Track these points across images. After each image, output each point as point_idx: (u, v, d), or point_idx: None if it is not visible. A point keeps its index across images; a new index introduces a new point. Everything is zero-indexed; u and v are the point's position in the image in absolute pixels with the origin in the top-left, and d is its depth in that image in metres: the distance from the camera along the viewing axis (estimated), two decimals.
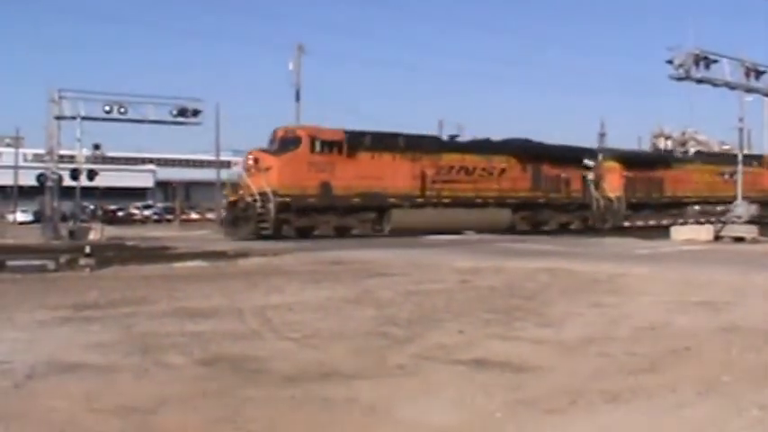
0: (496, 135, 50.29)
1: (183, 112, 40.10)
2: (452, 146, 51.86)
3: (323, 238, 41.69)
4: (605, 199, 57.06)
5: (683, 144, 79.26)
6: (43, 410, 8.31)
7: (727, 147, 75.30)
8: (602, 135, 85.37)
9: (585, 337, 12.57)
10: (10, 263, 23.74)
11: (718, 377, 9.81)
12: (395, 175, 46.53)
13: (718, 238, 39.84)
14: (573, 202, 55.74)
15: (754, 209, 56.57)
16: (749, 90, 45.20)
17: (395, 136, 48.09)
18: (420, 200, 47.69)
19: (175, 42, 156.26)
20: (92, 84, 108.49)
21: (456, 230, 44.74)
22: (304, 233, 43.16)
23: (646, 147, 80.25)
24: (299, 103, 64.35)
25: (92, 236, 41.25)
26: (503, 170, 51.59)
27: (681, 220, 56.92)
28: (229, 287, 18.90)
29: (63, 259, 25.13)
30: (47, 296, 17.30)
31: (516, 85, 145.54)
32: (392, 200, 46.32)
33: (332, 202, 43.88)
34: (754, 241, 38.80)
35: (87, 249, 25.73)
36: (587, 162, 57.09)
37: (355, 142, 45.16)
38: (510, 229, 49.32)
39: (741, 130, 55.03)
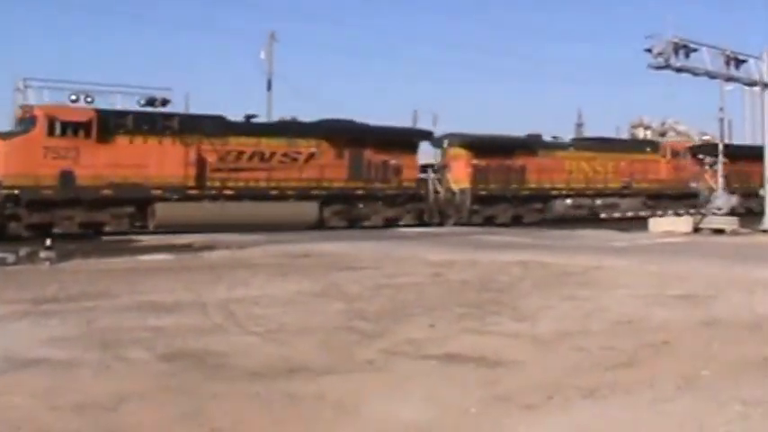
0: (472, 126, 49.46)
1: (151, 102, 39.79)
2: (243, 128, 43.79)
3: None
4: (448, 191, 49.22)
5: (663, 134, 78.90)
6: (1, 407, 8.27)
7: (707, 137, 72.62)
8: (579, 125, 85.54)
9: (561, 331, 12.61)
10: None
11: (698, 372, 9.88)
12: (162, 162, 40.09)
13: (697, 230, 39.86)
14: (403, 193, 47.32)
15: (734, 200, 56.06)
16: (729, 79, 44.84)
17: (167, 117, 40.87)
18: (195, 192, 41.00)
19: (145, 31, 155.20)
20: (58, 74, 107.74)
21: (245, 228, 37.70)
22: (41, 231, 34.56)
23: (625, 137, 79.87)
24: (271, 92, 64.30)
25: None
26: (310, 156, 44.15)
27: (547, 215, 52.33)
28: (193, 280, 18.85)
29: (23, 252, 25.00)
30: (5, 290, 17.25)
31: (492, 74, 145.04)
32: (157, 192, 39.78)
33: (75, 194, 37.42)
34: (734, 233, 38.84)
35: (48, 242, 25.58)
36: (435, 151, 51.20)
37: (110, 124, 38.76)
38: (318, 226, 42.39)
39: (721, 120, 56.53)
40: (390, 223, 45.86)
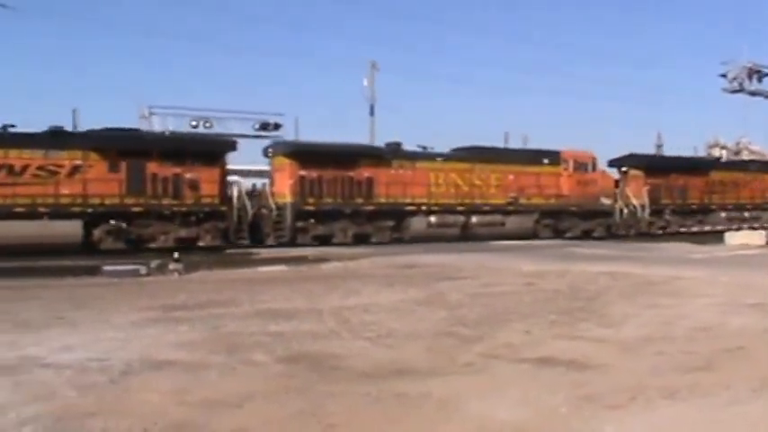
0: (558, 146, 48.25)
1: (264, 126, 40.18)
2: None
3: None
4: (267, 208, 40.26)
5: (738, 153, 77.16)
6: (137, 404, 8.44)
7: None
8: (658, 146, 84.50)
9: (644, 336, 12.48)
10: (105, 268, 24.06)
11: None
12: None
13: None
14: (200, 210, 38.05)
15: None
16: None
17: None
18: None
19: (256, 60, 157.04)
20: (178, 101, 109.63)
21: None
22: None
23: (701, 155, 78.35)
24: (374, 117, 64.49)
25: None
26: (74, 169, 35.49)
27: (404, 234, 42.48)
28: (309, 290, 18.98)
29: (154, 264, 25.40)
30: (139, 299, 17.52)
31: (578, 98, 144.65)
32: None
33: None
34: None
35: (176, 255, 25.97)
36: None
37: None
38: (88, 248, 34.36)
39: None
40: (185, 244, 36.03)
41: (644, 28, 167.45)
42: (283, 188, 40.53)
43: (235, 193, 39.06)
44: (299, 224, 39.95)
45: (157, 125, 38.71)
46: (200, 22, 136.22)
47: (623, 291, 18.41)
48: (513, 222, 45.89)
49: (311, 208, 40.42)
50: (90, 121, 41.96)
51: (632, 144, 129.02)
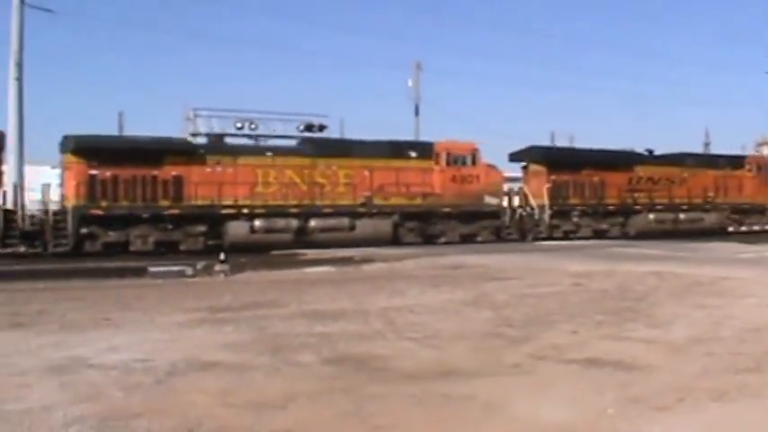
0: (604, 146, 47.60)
1: (309, 128, 40.03)
2: None
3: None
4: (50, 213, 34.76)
5: None
6: (182, 405, 8.46)
7: None
8: (706, 144, 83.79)
9: (692, 337, 12.38)
10: (151, 269, 24.18)
11: None
12: None
13: None
14: None
15: None
16: None
17: None
18: None
19: (302, 62, 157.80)
20: (223, 104, 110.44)
21: None
22: None
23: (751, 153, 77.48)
24: (418, 117, 64.62)
25: None
26: None
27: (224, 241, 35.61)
28: (355, 291, 19.00)
29: (200, 266, 25.49)
30: (185, 300, 17.60)
31: (625, 96, 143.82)
32: None
33: None
34: None
35: (222, 256, 26.06)
36: None
37: None
38: None
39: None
40: None
41: (687, 23, 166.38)
42: (69, 190, 35.24)
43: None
44: (85, 230, 34.12)
45: (202, 127, 38.83)
46: (241, 23, 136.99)
47: (671, 291, 18.29)
48: (365, 226, 39.10)
49: (100, 212, 34.50)
50: (135, 125, 42.21)
51: (680, 143, 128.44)
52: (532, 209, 44.55)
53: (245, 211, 36.89)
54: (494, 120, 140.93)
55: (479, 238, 41.86)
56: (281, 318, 14.68)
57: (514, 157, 47.32)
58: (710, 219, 50.81)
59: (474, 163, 42.30)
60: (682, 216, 49.59)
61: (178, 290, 19.96)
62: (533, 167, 46.37)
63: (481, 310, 15.68)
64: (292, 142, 40.38)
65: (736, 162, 53.37)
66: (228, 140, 38.91)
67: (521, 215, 44.42)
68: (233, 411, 8.19)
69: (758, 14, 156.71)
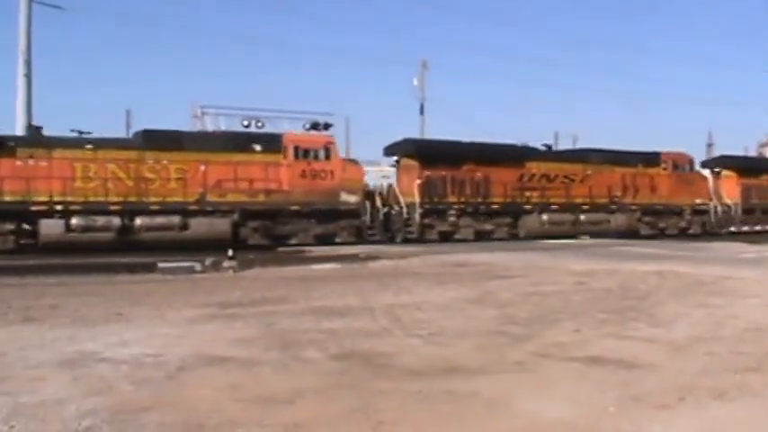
0: (607, 146, 47.20)
1: (315, 126, 40.03)
2: None
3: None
4: None
5: None
6: (192, 399, 8.57)
7: None
8: (709, 145, 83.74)
9: (694, 336, 12.44)
10: (160, 265, 24.30)
11: None
12: None
13: None
14: None
15: None
16: None
17: None
18: None
19: (306, 60, 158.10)
20: (230, 101, 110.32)
21: None
22: None
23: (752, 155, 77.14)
24: (423, 115, 64.67)
25: None
26: None
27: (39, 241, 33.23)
28: (361, 287, 19.09)
29: (208, 262, 25.59)
30: (194, 295, 17.70)
31: (628, 98, 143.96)
32: None
33: None
34: None
35: (230, 252, 26.16)
36: None
37: None
38: None
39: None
40: None
41: (691, 22, 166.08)
42: None
43: None
44: None
45: (209, 125, 38.90)
46: (248, 22, 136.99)
47: (673, 290, 18.33)
48: (199, 225, 35.79)
49: None
50: (142, 122, 42.35)
51: (684, 143, 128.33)
52: (401, 207, 40.73)
53: (60, 207, 33.52)
54: (497, 119, 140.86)
55: (338, 239, 38.33)
56: (289, 314, 14.78)
57: (388, 151, 43.96)
58: (617, 221, 47.41)
59: (328, 157, 38.76)
60: (582, 217, 46.05)
61: (187, 286, 20.07)
62: (405, 162, 42.56)
63: (486, 307, 15.76)
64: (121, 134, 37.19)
65: (650, 159, 49.84)
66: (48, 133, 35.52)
67: (387, 214, 40.52)
68: (241, 406, 8.29)
69: (762, 13, 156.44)
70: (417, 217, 40.81)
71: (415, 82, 66.65)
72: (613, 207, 47.24)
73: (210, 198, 36.20)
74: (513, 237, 42.90)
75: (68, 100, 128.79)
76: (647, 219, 48.96)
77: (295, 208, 37.79)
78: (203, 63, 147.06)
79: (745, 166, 54.81)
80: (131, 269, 23.92)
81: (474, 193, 42.92)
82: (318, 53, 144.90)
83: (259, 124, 38.41)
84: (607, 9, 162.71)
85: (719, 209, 51.75)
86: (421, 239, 40.05)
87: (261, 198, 37.32)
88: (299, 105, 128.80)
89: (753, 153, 64.06)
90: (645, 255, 29.90)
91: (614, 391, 8.86)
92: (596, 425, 7.74)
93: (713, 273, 21.81)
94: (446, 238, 41.36)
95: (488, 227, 42.99)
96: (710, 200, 51.55)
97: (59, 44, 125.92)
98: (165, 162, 35.76)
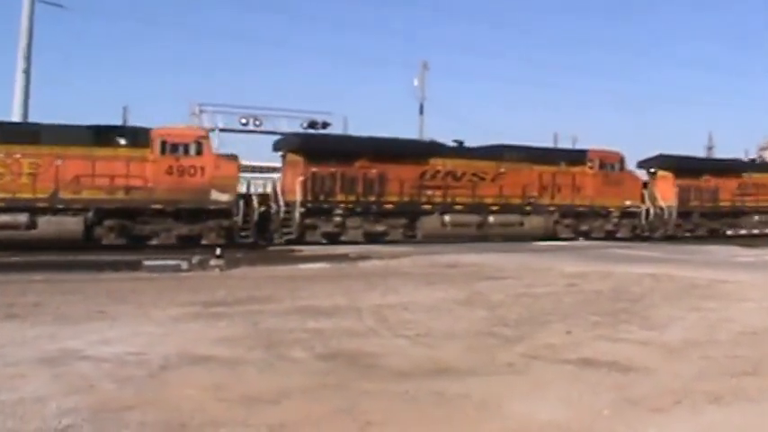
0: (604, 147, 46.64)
1: (313, 125, 40.05)
2: None
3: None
4: None
5: None
6: (175, 398, 8.49)
7: None
8: (709, 148, 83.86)
9: (689, 339, 12.41)
10: (146, 263, 24.16)
11: None
12: None
13: None
14: None
15: None
16: None
17: None
18: None
19: (306, 59, 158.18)
20: (227, 100, 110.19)
21: None
22: None
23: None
24: (422, 116, 64.73)
25: None
26: None
27: None
28: (349, 287, 18.99)
29: (195, 260, 25.47)
30: (179, 294, 17.58)
31: (629, 99, 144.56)
32: None
33: None
34: None
35: (218, 251, 26.05)
36: None
37: None
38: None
39: None
40: None
41: (693, 26, 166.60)
42: None
43: None
44: None
45: (207, 122, 38.86)
46: (248, 20, 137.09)
47: (667, 293, 18.30)
48: (48, 224, 33.01)
49: None
50: (140, 120, 42.33)
51: (684, 145, 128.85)
52: (279, 206, 37.65)
53: None
54: (497, 119, 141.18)
55: (204, 241, 35.05)
56: (275, 313, 14.70)
57: (275, 147, 41.23)
58: (532, 223, 43.51)
59: (199, 153, 35.48)
60: (491, 219, 42.17)
61: (173, 284, 19.93)
62: (290, 157, 39.39)
63: (475, 308, 15.70)
64: None
65: (575, 157, 46.33)
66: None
67: (264, 213, 37.43)
68: (225, 405, 8.22)
69: (764, 15, 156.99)
70: (297, 216, 37.59)
71: (416, 82, 66.68)
72: (528, 208, 43.66)
73: (64, 195, 33.36)
74: (411, 239, 40.00)
75: (66, 95, 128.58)
76: (566, 221, 45.35)
77: (157, 206, 34.78)
78: (202, 61, 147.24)
79: (683, 167, 50.67)
80: (116, 267, 23.78)
81: (366, 192, 39.55)
82: (317, 53, 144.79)
83: (257, 122, 38.38)
84: (608, 10, 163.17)
85: (652, 211, 48.04)
86: (301, 241, 37.22)
87: (120, 195, 34.43)
88: (298, 104, 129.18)
89: (753, 156, 62.61)
90: (639, 257, 29.90)
91: (608, 394, 8.82)
92: (590, 428, 7.69)
93: (708, 276, 21.82)
94: (333, 240, 38.32)
95: (380, 228, 39.60)
96: (642, 202, 47.96)
97: (57, 39, 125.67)
98: (17, 156, 33.02)
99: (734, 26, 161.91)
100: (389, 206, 39.69)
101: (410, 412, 8.09)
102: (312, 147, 39.28)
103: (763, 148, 71.09)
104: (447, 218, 40.62)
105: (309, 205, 37.87)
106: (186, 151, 35.10)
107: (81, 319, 13.73)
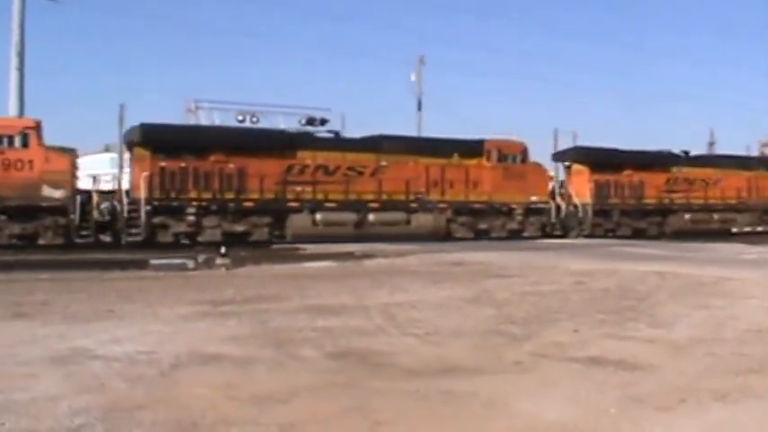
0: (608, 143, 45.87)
1: (311, 122, 39.74)
2: None
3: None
4: None
5: None
6: (186, 397, 8.56)
7: None
8: (710, 144, 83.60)
9: (695, 337, 12.46)
10: (153, 261, 24.25)
11: None
12: None
13: None
14: None
15: None
16: None
17: None
18: None
19: (303, 55, 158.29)
20: (224, 96, 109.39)
21: None
22: None
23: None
24: (421, 112, 64.68)
25: None
26: None
27: None
28: (356, 286, 19.09)
29: (201, 258, 25.56)
30: (187, 293, 17.69)
31: (629, 95, 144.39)
32: None
33: None
34: None
35: (223, 250, 26.14)
36: None
37: None
38: None
39: None
40: None
41: (695, 21, 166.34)
42: None
43: None
44: None
45: (203, 119, 38.79)
46: (244, 16, 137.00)
47: (673, 291, 18.35)
48: None
49: None
50: (136, 116, 42.34)
51: (686, 141, 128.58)
52: (123, 204, 35.07)
53: None
54: (498, 115, 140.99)
55: (42, 241, 33.02)
56: (284, 312, 14.78)
57: (124, 140, 37.51)
58: (420, 221, 40.43)
59: (25, 145, 32.94)
60: (371, 217, 39.18)
61: (180, 283, 20.02)
62: (137, 152, 36.37)
63: (483, 307, 15.77)
64: None
65: (470, 149, 42.81)
66: None
67: (109, 210, 34.97)
68: (236, 404, 8.29)
69: (763, 12, 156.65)
70: (143, 215, 34.90)
71: (413, 77, 66.66)
72: (414, 205, 40.43)
73: None
74: (279, 238, 37.59)
75: (62, 91, 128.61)
76: (462, 219, 41.96)
77: None
78: (199, 57, 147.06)
79: (601, 160, 47.02)
80: (123, 266, 23.88)
81: (223, 188, 36.82)
82: (317, 49, 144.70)
83: (254, 119, 38.27)
84: (609, 4, 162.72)
85: (563, 208, 44.83)
86: (153, 242, 34.68)
87: None
88: (297, 101, 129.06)
89: (755, 152, 61.60)
90: (645, 255, 29.92)
91: (615, 392, 8.87)
92: (597, 426, 7.74)
93: (714, 274, 21.86)
94: (189, 240, 35.98)
95: (240, 227, 36.94)
96: (551, 197, 44.83)
97: (52, 34, 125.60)
98: None
99: (736, 21, 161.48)
100: (250, 204, 37.06)
101: (420, 411, 8.15)
102: (158, 139, 36.08)
103: (765, 144, 70.34)
104: (318, 216, 37.97)
105: (157, 203, 35.32)
106: (11, 143, 32.87)
107: (90, 318, 13.83)
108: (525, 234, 43.15)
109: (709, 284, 19.65)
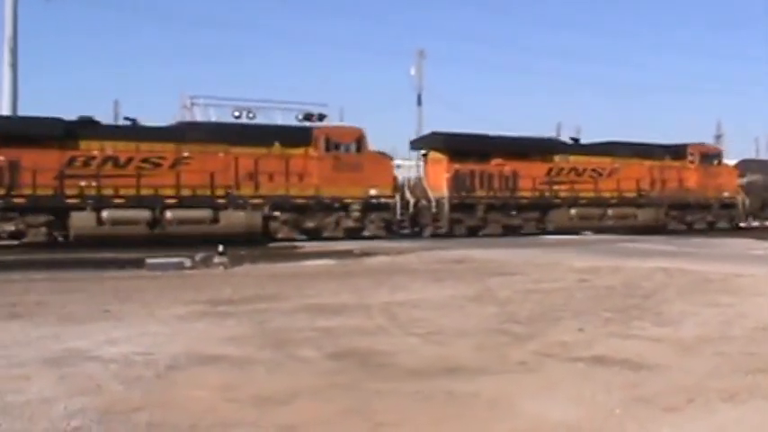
0: (609, 138, 45.17)
1: (308, 117, 39.63)
2: None
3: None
4: None
5: None
6: (183, 399, 8.52)
7: None
8: (718, 137, 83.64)
9: (702, 336, 12.40)
10: (149, 261, 24.21)
11: None
12: None
13: None
14: None
15: None
16: None
17: None
18: None
19: (300, 48, 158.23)
20: (220, 91, 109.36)
21: None
22: None
23: (763, 149, 77.15)
24: (421, 106, 64.63)
25: None
26: None
27: None
28: (356, 284, 19.05)
29: (198, 257, 25.51)
30: (184, 292, 17.65)
31: (634, 89, 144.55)
32: None
33: None
34: None
35: (220, 248, 26.09)
36: None
37: None
38: None
39: None
40: None
41: (697, 12, 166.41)
42: None
43: None
44: None
45: (199, 116, 38.69)
46: (239, 11, 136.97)
47: (680, 288, 18.28)
48: None
49: None
50: (131, 112, 42.28)
51: (694, 134, 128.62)
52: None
53: None
54: (501, 110, 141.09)
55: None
56: (283, 311, 14.75)
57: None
58: (230, 219, 35.57)
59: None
60: (168, 214, 34.43)
61: (177, 282, 19.99)
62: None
63: (485, 305, 15.72)
64: None
65: (292, 136, 38.20)
66: None
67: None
68: (235, 406, 8.25)
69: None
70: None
71: (413, 71, 66.63)
72: (222, 201, 35.86)
73: None
74: (65, 239, 33.56)
75: (56, 87, 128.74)
76: (284, 216, 37.04)
77: None
78: (196, 52, 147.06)
79: (463, 148, 41.87)
80: (119, 265, 23.85)
81: (102, 185, 33.58)
82: (315, 44, 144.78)
83: (250, 115, 38.14)
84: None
85: (412, 203, 39.85)
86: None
87: None
88: (294, 96, 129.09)
89: (763, 145, 60.78)
90: (649, 251, 29.86)
91: (620, 393, 8.81)
92: (602, 427, 7.70)
93: (721, 270, 21.75)
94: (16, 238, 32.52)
95: (10, 227, 32.34)
96: (395, 191, 39.80)
97: (46, 29, 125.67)
98: None
99: (738, 14, 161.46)
100: (21, 200, 32.17)
101: (422, 412, 8.10)
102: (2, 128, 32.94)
103: None
104: (105, 214, 33.20)
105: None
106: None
107: (86, 319, 13.79)
108: (366, 233, 38.56)
109: (718, 281, 19.58)
